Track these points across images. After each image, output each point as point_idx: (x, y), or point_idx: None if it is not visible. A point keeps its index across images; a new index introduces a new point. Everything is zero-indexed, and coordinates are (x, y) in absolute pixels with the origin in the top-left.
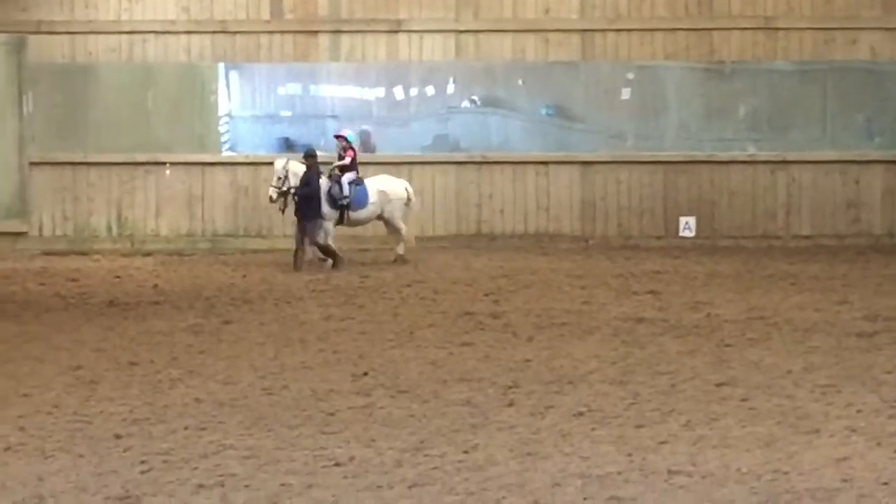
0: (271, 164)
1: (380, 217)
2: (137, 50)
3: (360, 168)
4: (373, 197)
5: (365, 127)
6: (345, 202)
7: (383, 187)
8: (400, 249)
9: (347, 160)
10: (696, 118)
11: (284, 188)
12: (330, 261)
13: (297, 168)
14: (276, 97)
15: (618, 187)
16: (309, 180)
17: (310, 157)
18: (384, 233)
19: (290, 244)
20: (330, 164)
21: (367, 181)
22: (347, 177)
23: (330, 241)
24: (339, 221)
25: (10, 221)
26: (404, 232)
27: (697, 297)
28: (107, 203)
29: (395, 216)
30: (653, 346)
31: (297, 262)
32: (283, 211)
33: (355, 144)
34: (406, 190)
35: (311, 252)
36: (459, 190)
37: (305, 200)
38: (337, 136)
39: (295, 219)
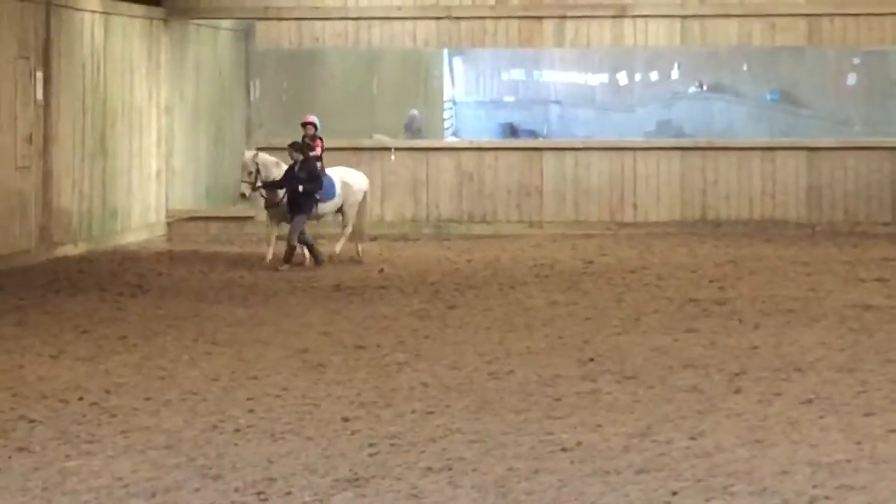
0: (496, 149)
1: (337, 210)
2: (363, 35)
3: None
4: (338, 189)
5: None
6: (318, 195)
7: (347, 179)
8: (339, 246)
9: (318, 150)
10: None
11: (258, 183)
12: (303, 259)
13: (268, 160)
14: (500, 83)
15: (845, 173)
16: (310, 174)
17: (299, 148)
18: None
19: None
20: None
21: (329, 172)
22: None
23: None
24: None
25: (238, 206)
26: (349, 231)
27: None
28: None
29: (353, 210)
30: (881, 333)
31: (289, 256)
32: (272, 203)
33: (320, 132)
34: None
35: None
36: (684, 175)
37: (305, 196)
38: (306, 124)
39: (268, 211)
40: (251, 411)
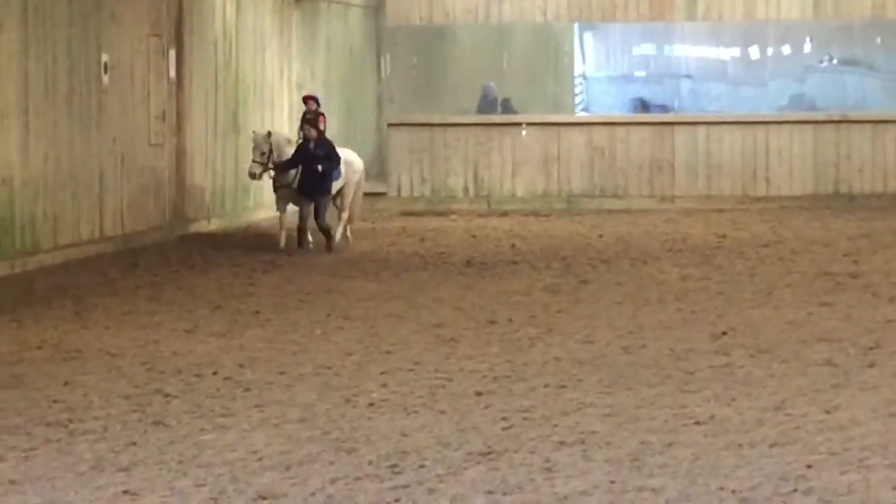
0: (627, 124)
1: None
2: (493, 10)
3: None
4: (343, 169)
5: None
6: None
7: (348, 158)
8: (339, 234)
9: (322, 127)
10: None
11: (271, 163)
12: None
13: (280, 139)
14: (631, 57)
15: None
16: (328, 152)
17: (314, 124)
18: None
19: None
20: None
21: None
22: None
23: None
24: None
25: (370, 182)
26: (346, 216)
27: None
28: (463, 164)
29: (350, 192)
30: None
31: (303, 239)
32: (282, 185)
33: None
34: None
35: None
36: (817, 149)
37: (323, 175)
38: (308, 98)
39: (278, 193)
40: (384, 385)
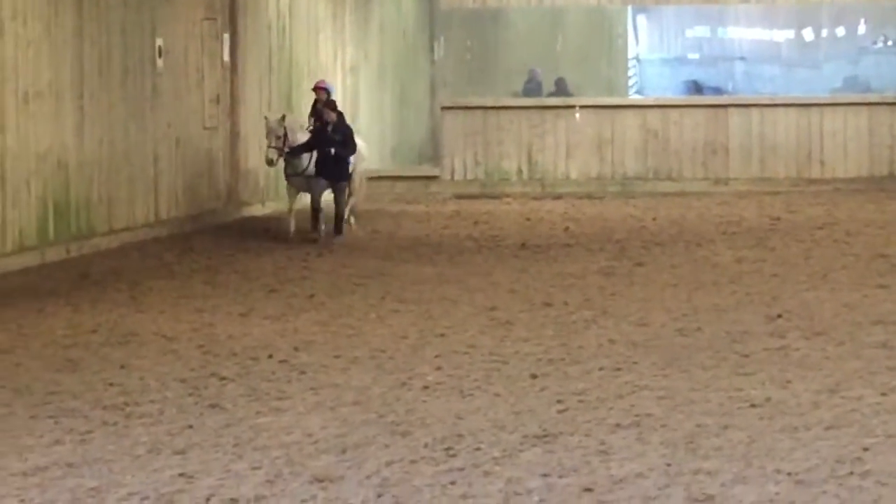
0: (681, 106)
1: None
2: None
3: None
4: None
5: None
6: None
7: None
8: (353, 220)
9: (334, 116)
10: None
11: (286, 148)
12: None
13: (294, 124)
14: (684, 39)
15: None
16: (346, 137)
17: (333, 107)
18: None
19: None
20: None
21: None
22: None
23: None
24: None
25: (423, 165)
26: (353, 201)
27: None
28: (517, 147)
29: (358, 179)
30: None
31: (317, 227)
32: (295, 172)
33: (333, 95)
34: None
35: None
36: (872, 131)
37: (339, 161)
38: (319, 88)
39: (289, 180)
40: (439, 368)
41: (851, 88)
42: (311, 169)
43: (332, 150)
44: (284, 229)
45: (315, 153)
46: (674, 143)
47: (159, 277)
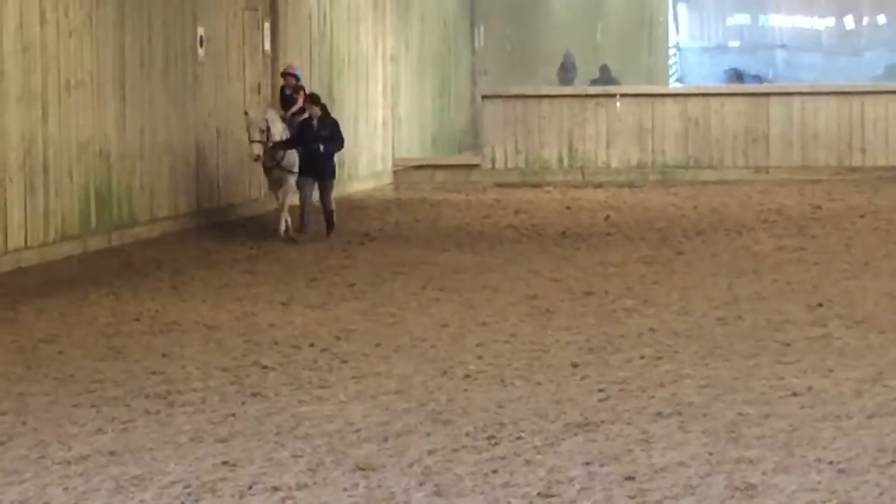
0: (722, 95)
1: None
2: None
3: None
4: None
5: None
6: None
7: None
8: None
9: (300, 103)
10: None
11: (270, 142)
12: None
13: (276, 117)
14: (725, 28)
15: None
16: (333, 132)
17: (317, 101)
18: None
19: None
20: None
21: None
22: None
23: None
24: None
25: (464, 154)
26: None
27: None
28: (558, 135)
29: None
30: None
31: (304, 227)
32: (273, 165)
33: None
34: None
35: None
36: None
37: (326, 156)
38: (287, 74)
39: (270, 175)
40: (480, 357)
41: (893, 77)
42: (289, 161)
43: (321, 147)
44: (274, 228)
45: (300, 150)
46: (714, 132)
47: (201, 266)
